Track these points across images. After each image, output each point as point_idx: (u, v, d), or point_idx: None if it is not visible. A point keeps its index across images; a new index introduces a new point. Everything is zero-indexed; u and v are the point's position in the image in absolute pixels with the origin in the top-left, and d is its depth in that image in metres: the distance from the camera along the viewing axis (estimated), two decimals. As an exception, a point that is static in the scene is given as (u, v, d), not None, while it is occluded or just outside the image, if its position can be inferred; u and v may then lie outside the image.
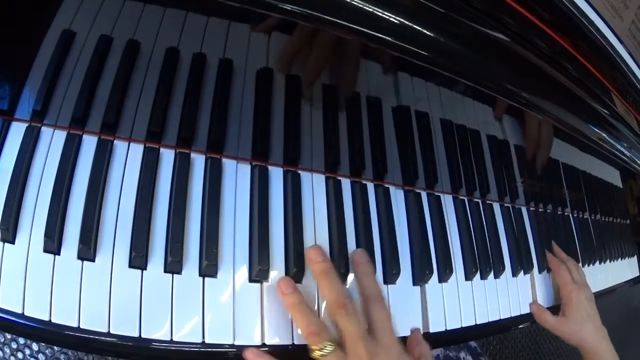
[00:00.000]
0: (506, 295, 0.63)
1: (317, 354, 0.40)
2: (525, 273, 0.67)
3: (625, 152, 0.66)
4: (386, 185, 0.56)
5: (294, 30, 0.41)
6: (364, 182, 0.55)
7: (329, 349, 0.40)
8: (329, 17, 0.37)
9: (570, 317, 0.65)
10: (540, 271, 0.70)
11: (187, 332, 0.40)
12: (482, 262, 0.61)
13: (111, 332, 0.38)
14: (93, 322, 0.38)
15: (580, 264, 0.80)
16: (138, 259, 0.40)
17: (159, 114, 0.44)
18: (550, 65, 0.49)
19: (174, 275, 0.41)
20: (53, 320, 0.37)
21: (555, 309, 0.68)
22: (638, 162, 0.70)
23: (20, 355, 0.46)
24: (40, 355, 0.47)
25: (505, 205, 0.69)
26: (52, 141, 0.42)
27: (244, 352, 0.40)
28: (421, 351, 0.48)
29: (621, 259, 0.97)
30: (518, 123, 0.60)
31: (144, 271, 0.41)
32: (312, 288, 0.47)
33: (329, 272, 0.44)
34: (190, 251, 0.43)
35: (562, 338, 0.66)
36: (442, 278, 0.56)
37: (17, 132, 0.41)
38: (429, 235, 0.57)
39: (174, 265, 0.41)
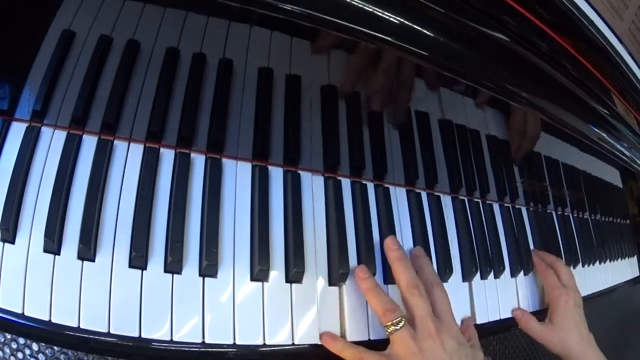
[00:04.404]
0: (506, 296, 0.63)
1: (391, 328, 0.45)
2: (525, 273, 0.67)
3: (625, 152, 0.66)
4: (386, 185, 0.56)
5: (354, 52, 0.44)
6: (364, 182, 0.55)
7: (402, 323, 0.45)
8: (329, 17, 0.37)
9: (556, 324, 0.62)
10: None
11: (187, 332, 0.40)
12: (482, 262, 0.61)
13: (111, 332, 0.38)
14: (93, 322, 0.38)
15: (580, 264, 0.80)
16: (138, 259, 0.40)
17: (159, 114, 0.44)
18: (550, 65, 0.49)
19: (174, 275, 0.41)
20: (53, 320, 0.37)
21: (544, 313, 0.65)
22: (638, 162, 0.70)
23: (20, 355, 0.46)
24: (40, 355, 0.47)
25: (505, 205, 0.69)
26: (52, 141, 0.42)
27: (322, 339, 0.46)
28: (470, 335, 0.53)
29: (621, 259, 0.97)
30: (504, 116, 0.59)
31: (144, 271, 0.41)
32: (312, 288, 0.47)
33: (403, 259, 0.50)
34: (190, 251, 0.43)
35: (545, 346, 0.62)
36: (442, 278, 0.56)
37: (17, 132, 0.41)
38: (428, 235, 0.57)
39: (174, 265, 0.41)
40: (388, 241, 0.51)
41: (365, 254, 0.50)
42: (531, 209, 0.74)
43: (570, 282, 0.65)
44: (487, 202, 0.67)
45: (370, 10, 0.37)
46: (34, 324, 0.36)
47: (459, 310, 0.56)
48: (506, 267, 0.64)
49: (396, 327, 0.45)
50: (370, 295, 0.47)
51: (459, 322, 0.54)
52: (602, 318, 0.65)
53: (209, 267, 0.42)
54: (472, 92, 0.52)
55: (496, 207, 0.68)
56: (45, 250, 0.38)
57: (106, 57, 0.41)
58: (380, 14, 0.38)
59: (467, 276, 0.59)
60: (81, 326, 0.37)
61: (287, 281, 0.46)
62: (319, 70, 0.46)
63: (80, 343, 0.38)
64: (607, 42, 0.52)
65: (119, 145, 0.44)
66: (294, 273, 0.46)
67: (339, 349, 0.45)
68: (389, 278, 0.51)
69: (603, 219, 0.94)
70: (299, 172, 0.51)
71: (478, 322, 0.58)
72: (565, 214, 0.82)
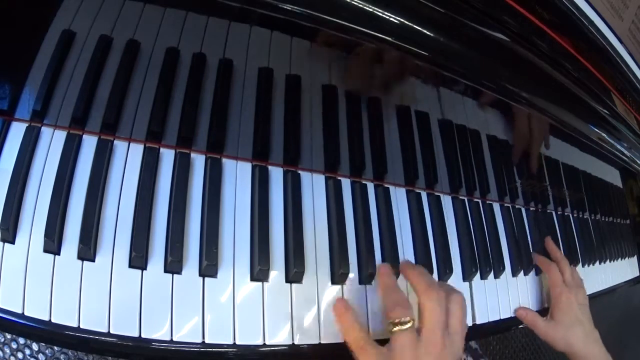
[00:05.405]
0: (506, 296, 0.63)
1: (396, 328, 0.42)
2: (525, 273, 0.67)
3: (625, 152, 0.66)
4: (386, 185, 0.56)
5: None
6: (364, 182, 0.55)
7: (408, 325, 0.42)
8: (329, 17, 0.37)
9: (558, 320, 0.62)
10: (539, 271, 0.70)
11: (187, 332, 0.40)
12: (482, 262, 0.61)
13: (111, 332, 0.38)
14: (93, 322, 0.38)
15: (580, 264, 0.80)
16: (138, 259, 0.40)
17: (159, 114, 0.44)
18: (550, 65, 0.49)
19: (174, 275, 0.41)
20: (53, 320, 0.37)
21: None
22: (638, 162, 0.70)
23: (20, 355, 0.46)
24: (40, 355, 0.47)
25: (505, 205, 0.69)
26: (52, 141, 0.42)
27: (334, 307, 0.44)
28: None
29: (621, 259, 0.97)
30: (508, 119, 0.59)
31: (144, 271, 0.41)
32: (312, 288, 0.47)
33: (424, 274, 0.48)
34: (190, 251, 0.43)
35: (549, 343, 0.62)
36: (442, 278, 0.56)
37: (17, 132, 0.41)
38: (428, 235, 0.57)
39: (174, 265, 0.41)
40: (403, 264, 0.52)
41: (365, 254, 0.50)
42: (531, 209, 0.74)
43: (573, 280, 0.66)
44: (487, 202, 0.67)
45: (370, 10, 0.37)
46: (34, 324, 0.36)
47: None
48: (506, 267, 0.64)
49: (401, 327, 0.42)
50: (387, 290, 0.46)
51: None
52: (602, 318, 0.65)
53: (209, 267, 0.42)
54: (472, 92, 0.52)
55: (496, 207, 0.68)
56: (45, 250, 0.38)
57: (106, 57, 0.41)
58: (380, 14, 0.38)
59: (467, 276, 0.59)
60: (81, 326, 0.37)
61: (287, 281, 0.46)
62: (319, 70, 0.46)
63: (80, 343, 0.38)
64: (607, 42, 0.52)
65: (119, 145, 0.44)
66: (294, 273, 0.46)
67: (347, 324, 0.43)
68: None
69: (603, 219, 0.94)
70: (299, 172, 0.51)
71: (478, 322, 0.58)
72: (565, 214, 0.82)
